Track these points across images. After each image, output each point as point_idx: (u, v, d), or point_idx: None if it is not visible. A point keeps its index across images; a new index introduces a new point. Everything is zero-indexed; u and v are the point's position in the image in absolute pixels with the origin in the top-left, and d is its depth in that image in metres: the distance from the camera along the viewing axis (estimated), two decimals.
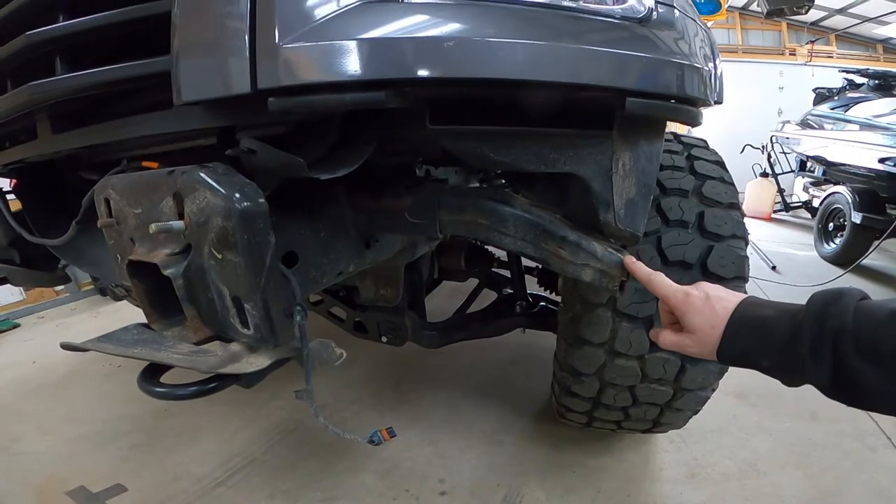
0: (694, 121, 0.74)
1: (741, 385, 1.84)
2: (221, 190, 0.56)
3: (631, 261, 0.73)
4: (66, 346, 0.80)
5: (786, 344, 0.53)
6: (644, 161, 0.77)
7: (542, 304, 1.47)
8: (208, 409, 1.86)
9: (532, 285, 1.60)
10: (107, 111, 0.78)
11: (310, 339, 0.77)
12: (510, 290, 1.55)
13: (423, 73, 0.54)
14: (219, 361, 0.68)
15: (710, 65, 0.77)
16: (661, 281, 0.66)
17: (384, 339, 1.35)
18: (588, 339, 1.06)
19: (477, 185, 1.42)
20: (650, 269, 0.69)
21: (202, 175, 0.57)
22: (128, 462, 1.63)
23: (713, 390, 1.14)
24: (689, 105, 0.72)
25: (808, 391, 0.57)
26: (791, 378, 0.55)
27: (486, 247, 1.59)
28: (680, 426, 1.30)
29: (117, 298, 2.89)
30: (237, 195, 0.56)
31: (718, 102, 0.82)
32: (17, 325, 2.89)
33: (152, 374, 0.77)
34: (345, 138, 0.69)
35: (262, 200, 0.58)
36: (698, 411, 1.21)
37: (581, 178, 0.74)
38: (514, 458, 1.55)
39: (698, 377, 1.05)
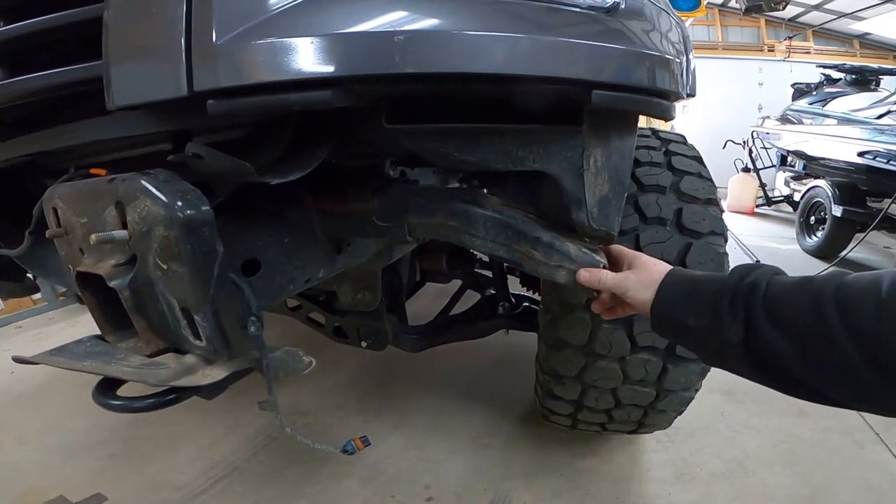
0: (666, 114, 0.71)
1: (728, 383, 1.82)
2: (162, 197, 0.53)
3: (584, 277, 0.73)
4: (18, 360, 0.77)
5: (711, 297, 0.56)
6: (617, 157, 0.74)
7: (525, 304, 1.45)
8: (188, 416, 1.82)
9: (515, 285, 1.58)
10: (56, 118, 0.75)
11: (277, 347, 0.74)
12: (493, 291, 1.53)
13: (371, 69, 0.51)
14: (171, 374, 0.65)
15: (682, 57, 0.74)
16: (620, 270, 0.72)
17: (364, 343, 1.32)
18: (568, 342, 1.04)
19: (456, 185, 1.40)
20: (600, 274, 0.71)
21: (142, 182, 0.54)
22: (107, 471, 1.59)
23: (696, 391, 1.12)
24: (660, 98, 0.70)
25: None
26: (711, 341, 0.56)
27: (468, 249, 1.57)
28: (665, 427, 1.29)
29: None
30: (179, 203, 0.53)
31: (691, 95, 0.79)
32: None
33: (108, 386, 0.73)
34: (300, 141, 0.66)
35: (206, 208, 0.55)
36: (682, 412, 1.19)
37: (551, 175, 0.71)
38: (500, 461, 1.52)
39: (680, 378, 1.03)
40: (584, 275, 0.72)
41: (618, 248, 0.77)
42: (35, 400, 2.08)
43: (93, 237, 0.55)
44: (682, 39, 0.79)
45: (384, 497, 1.40)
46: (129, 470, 1.58)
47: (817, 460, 1.48)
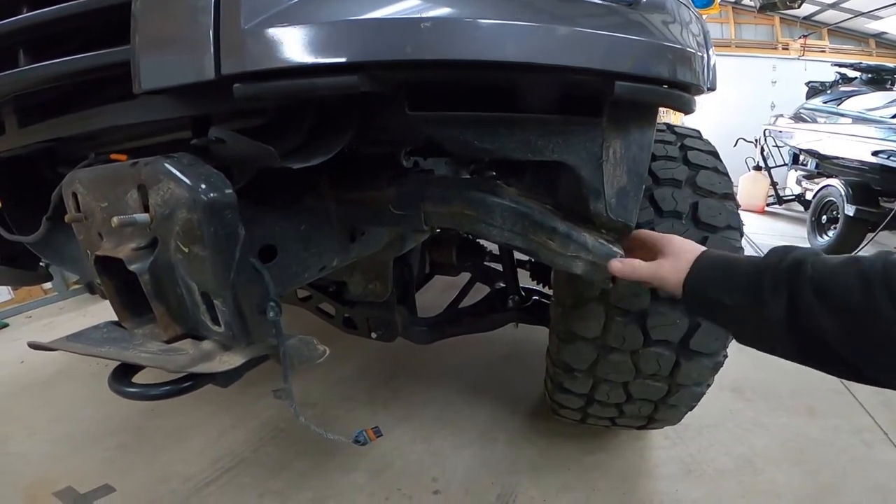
0: (687, 107, 0.71)
1: (737, 380, 1.82)
2: (186, 180, 0.53)
3: (617, 267, 0.72)
4: (34, 346, 0.77)
5: (748, 277, 0.56)
6: (636, 149, 0.74)
7: (534, 298, 1.44)
8: (197, 407, 1.83)
9: (525, 279, 1.57)
10: (79, 104, 0.75)
11: (292, 335, 0.74)
12: (503, 285, 1.52)
13: (398, 55, 0.51)
14: (189, 360, 0.65)
15: (703, 51, 0.74)
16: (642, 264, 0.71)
17: (374, 335, 1.32)
18: (580, 334, 1.03)
19: (468, 176, 1.39)
20: (634, 263, 0.70)
21: (166, 165, 0.54)
22: (115, 462, 1.60)
23: (708, 386, 1.12)
24: (681, 91, 0.69)
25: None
26: (750, 318, 0.56)
27: (477, 240, 1.56)
28: (675, 422, 1.28)
29: (105, 296, 2.85)
30: (203, 186, 0.53)
31: (712, 89, 0.79)
32: (5, 325, 2.85)
33: (124, 373, 0.74)
34: (322, 126, 0.66)
35: (229, 191, 0.55)
36: (693, 407, 1.19)
37: (570, 166, 0.71)
38: (507, 455, 1.52)
39: (693, 372, 1.02)
40: (617, 265, 0.72)
41: (645, 232, 0.77)
42: (44, 390, 2.10)
43: (115, 220, 0.55)
44: (702, 33, 0.79)
45: (391, 490, 1.41)
46: (138, 461, 1.60)
47: (825, 459, 1.47)
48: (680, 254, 0.66)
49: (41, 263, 1.41)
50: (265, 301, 0.61)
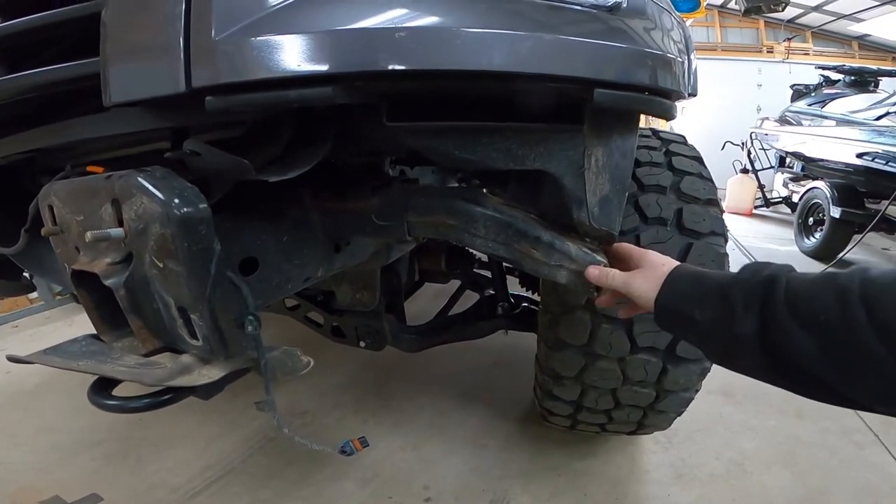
0: (668, 114, 0.71)
1: (726, 384, 1.82)
2: (159, 195, 0.52)
3: (594, 274, 0.72)
4: (12, 359, 0.76)
5: (720, 292, 0.55)
6: (618, 157, 0.74)
7: (524, 304, 1.44)
8: (184, 417, 1.81)
9: (514, 286, 1.57)
10: (55, 115, 0.74)
11: (275, 346, 0.73)
12: (492, 292, 1.52)
13: (373, 66, 0.50)
14: (167, 374, 0.64)
15: (684, 57, 0.74)
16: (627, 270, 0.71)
17: (362, 343, 1.31)
18: (567, 342, 1.03)
19: (455, 185, 1.39)
20: (609, 272, 0.71)
21: (139, 179, 0.53)
22: (102, 472, 1.58)
23: (696, 391, 1.12)
24: (662, 97, 0.69)
25: None
26: (719, 334, 0.54)
27: (466, 248, 1.56)
28: (665, 427, 1.28)
29: None
30: (176, 200, 0.52)
31: (693, 95, 0.79)
32: None
33: (103, 386, 0.73)
34: (300, 138, 0.65)
35: (203, 206, 0.54)
36: (682, 413, 1.19)
37: (552, 175, 0.71)
38: (498, 462, 1.51)
39: (680, 378, 1.03)
40: (594, 272, 0.72)
41: (626, 245, 0.77)
42: (31, 400, 2.07)
43: (88, 235, 0.55)
44: (683, 39, 0.79)
45: (381, 498, 1.40)
46: (125, 470, 1.57)
47: (816, 461, 1.48)
48: (654, 267, 0.66)
49: (24, 274, 1.40)
50: (243, 315, 0.60)
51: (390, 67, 0.51)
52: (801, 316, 0.47)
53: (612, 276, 0.70)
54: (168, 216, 0.52)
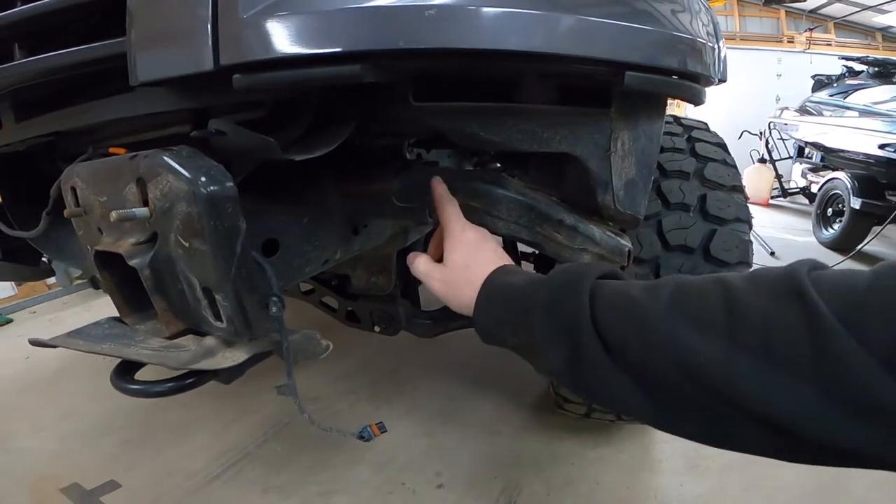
0: (697, 98, 0.70)
1: None
2: (185, 173, 0.52)
3: (409, 258, 0.64)
4: (35, 343, 0.77)
5: (522, 311, 0.46)
6: (644, 140, 0.73)
7: None
8: (201, 402, 1.84)
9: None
10: (78, 97, 0.74)
11: (295, 330, 0.73)
12: None
13: (401, 44, 0.49)
14: (191, 357, 0.64)
15: (714, 41, 0.73)
16: (452, 209, 0.63)
17: (377, 328, 1.31)
18: None
19: (471, 168, 1.37)
20: (448, 195, 0.64)
21: (164, 158, 0.53)
22: (121, 458, 1.60)
23: None
24: (692, 81, 0.68)
25: None
26: (535, 362, 0.47)
27: None
28: None
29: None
30: (203, 178, 0.52)
31: (723, 81, 0.78)
32: (9, 321, 2.86)
33: (126, 370, 0.73)
34: (324, 118, 0.64)
35: (230, 184, 0.54)
36: None
37: (577, 158, 0.70)
38: (511, 449, 1.52)
39: None
40: (410, 256, 0.64)
41: (445, 222, 0.63)
42: (50, 386, 2.11)
43: (113, 214, 0.54)
44: (712, 24, 0.77)
45: (395, 484, 1.41)
46: (143, 456, 1.60)
47: None
48: (469, 273, 0.55)
49: (43, 259, 1.41)
50: (268, 296, 0.60)
51: (419, 46, 0.49)
52: (610, 347, 0.39)
53: (417, 264, 0.60)
54: (195, 194, 0.51)
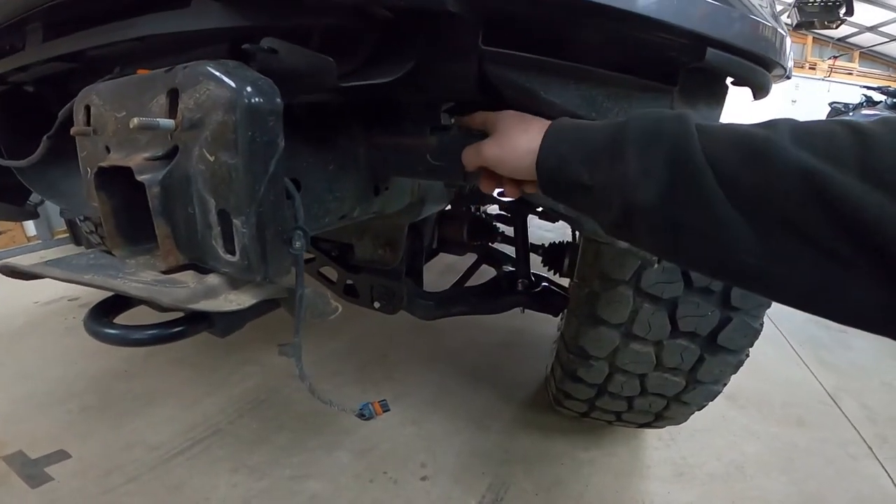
0: (765, 88, 0.69)
1: (731, 388, 1.79)
2: (230, 82, 0.45)
3: (465, 153, 0.62)
4: (8, 270, 0.67)
5: (609, 141, 0.43)
6: None
7: (544, 284, 1.39)
8: (173, 371, 1.72)
9: (536, 265, 1.52)
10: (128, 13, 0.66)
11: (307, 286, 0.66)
12: (511, 268, 1.47)
13: None
14: (189, 295, 0.56)
15: (785, 35, 0.72)
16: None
17: (376, 304, 1.24)
18: (604, 319, 0.98)
19: None
20: (480, 146, 0.60)
21: (208, 68, 0.47)
22: (76, 426, 1.48)
23: (724, 385, 1.09)
24: (764, 69, 0.67)
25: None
26: (611, 202, 0.43)
27: (491, 221, 1.51)
28: (681, 422, 1.25)
29: (90, 246, 2.69)
30: (248, 88, 0.46)
31: (787, 77, 0.77)
32: None
33: (104, 311, 0.63)
34: (382, 52, 0.59)
35: (277, 99, 0.48)
36: (703, 407, 1.16)
37: None
38: (500, 445, 1.47)
39: (715, 369, 0.99)
40: (465, 150, 0.62)
41: (483, 114, 0.63)
42: (11, 343, 1.95)
43: (134, 120, 0.47)
44: (778, 17, 0.76)
45: (376, 472, 1.34)
46: (101, 426, 1.48)
47: (812, 469, 1.48)
48: (526, 124, 0.53)
49: (29, 201, 1.30)
50: (292, 228, 0.53)
51: None
52: (724, 177, 0.36)
53: (485, 148, 0.57)
54: (235, 103, 0.45)
